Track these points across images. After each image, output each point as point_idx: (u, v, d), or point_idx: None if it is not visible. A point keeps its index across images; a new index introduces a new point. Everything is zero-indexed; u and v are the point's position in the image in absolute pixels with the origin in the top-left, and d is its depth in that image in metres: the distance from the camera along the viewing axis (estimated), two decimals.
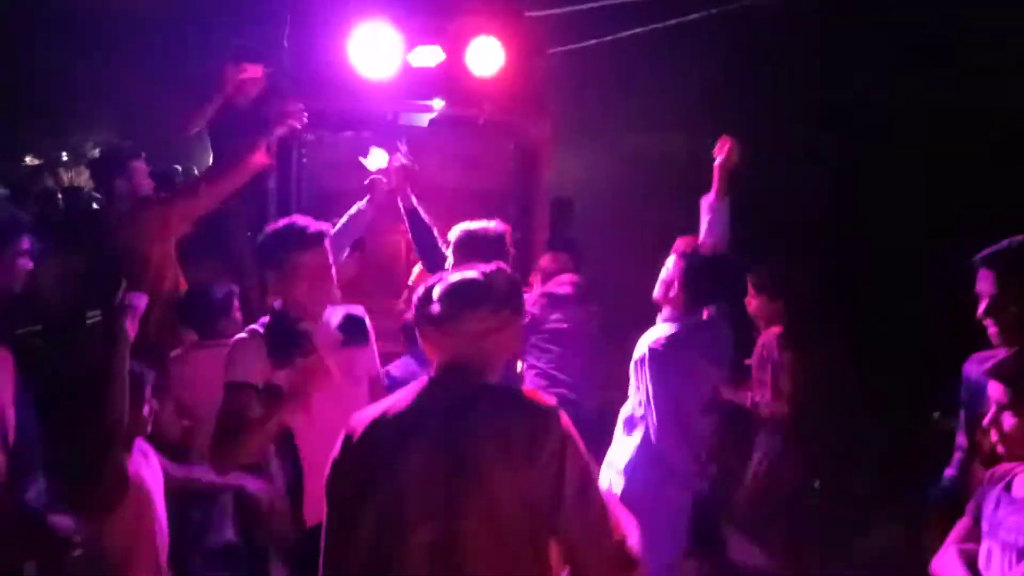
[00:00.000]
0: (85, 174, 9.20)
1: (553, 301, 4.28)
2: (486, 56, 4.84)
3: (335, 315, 2.70)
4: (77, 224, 6.56)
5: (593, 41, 5.39)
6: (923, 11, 4.90)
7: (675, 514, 3.23)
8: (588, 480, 1.81)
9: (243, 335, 2.59)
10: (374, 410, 1.91)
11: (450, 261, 3.25)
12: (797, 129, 5.63)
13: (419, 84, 4.97)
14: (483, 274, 1.91)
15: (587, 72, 5.76)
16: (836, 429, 4.58)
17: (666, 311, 3.25)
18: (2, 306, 2.81)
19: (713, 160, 3.37)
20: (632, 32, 5.21)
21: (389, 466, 1.78)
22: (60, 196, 7.66)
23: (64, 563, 2.39)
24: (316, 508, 2.35)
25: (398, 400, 1.90)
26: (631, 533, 1.85)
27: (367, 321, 2.78)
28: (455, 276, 1.92)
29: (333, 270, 2.64)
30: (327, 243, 2.62)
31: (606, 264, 5.88)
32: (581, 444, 1.82)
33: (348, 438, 1.88)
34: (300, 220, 2.65)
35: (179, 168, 7.78)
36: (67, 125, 12.40)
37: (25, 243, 2.83)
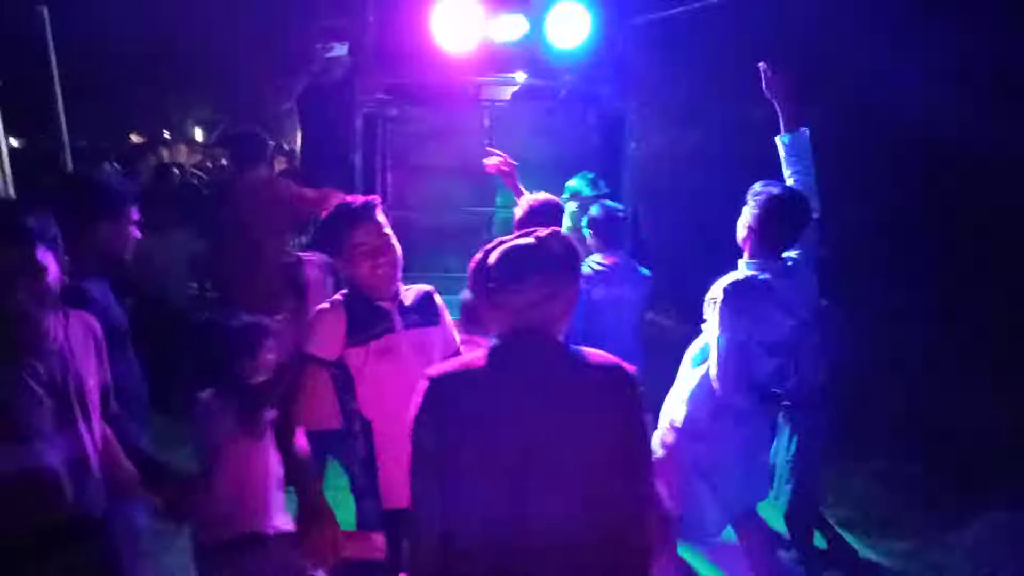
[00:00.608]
0: (184, 151, 9.62)
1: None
2: (568, 27, 4.77)
3: (408, 296, 2.68)
4: (185, 200, 6.84)
5: (680, 9, 5.24)
6: None
7: (734, 451, 3.16)
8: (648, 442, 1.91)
9: (326, 305, 2.59)
10: (452, 366, 1.92)
11: None
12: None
13: (501, 57, 4.96)
14: (538, 239, 1.88)
15: (672, 40, 5.61)
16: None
17: (746, 254, 3.19)
18: (112, 271, 2.91)
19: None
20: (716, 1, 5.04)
21: (477, 422, 1.81)
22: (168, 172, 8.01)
23: (186, 503, 2.50)
24: (392, 492, 2.45)
25: (470, 361, 1.91)
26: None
27: (437, 300, 2.76)
28: (509, 243, 1.90)
29: (394, 241, 2.59)
30: (378, 215, 2.58)
31: (687, 230, 5.78)
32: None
33: (435, 391, 1.86)
34: (348, 199, 2.66)
35: (272, 142, 8.00)
36: (167, 104, 12.95)
37: (135, 214, 2.94)
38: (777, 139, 3.29)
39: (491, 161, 4.09)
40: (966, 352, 5.50)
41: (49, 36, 8.39)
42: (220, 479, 2.77)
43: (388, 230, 2.58)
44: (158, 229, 5.13)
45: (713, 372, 3.08)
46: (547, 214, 3.53)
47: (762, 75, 3.27)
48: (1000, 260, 5.59)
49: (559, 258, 1.87)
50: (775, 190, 3.08)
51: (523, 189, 4.00)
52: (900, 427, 5.23)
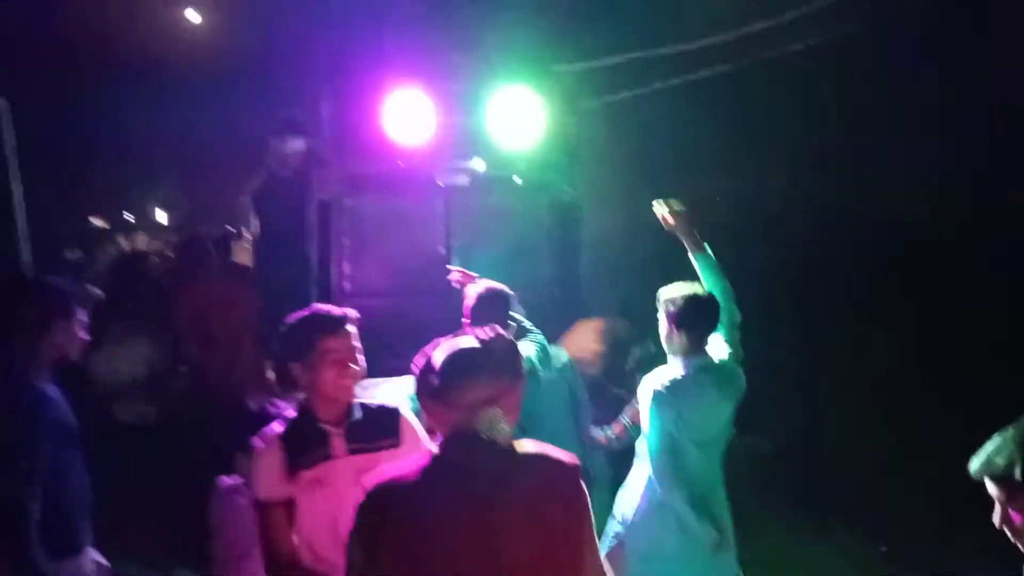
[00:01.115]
0: (144, 239, 9.58)
1: None
2: (518, 116, 4.89)
3: (366, 412, 2.55)
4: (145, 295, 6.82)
5: (627, 93, 5.39)
6: None
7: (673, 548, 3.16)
8: (595, 543, 1.90)
9: (260, 443, 2.48)
10: (387, 476, 1.86)
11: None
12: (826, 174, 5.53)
13: (456, 145, 5.05)
14: (481, 341, 1.88)
15: (624, 122, 5.76)
16: None
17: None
18: (56, 372, 2.90)
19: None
20: (668, 84, 5.21)
21: (417, 535, 1.75)
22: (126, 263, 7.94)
23: None
24: None
25: (410, 470, 1.84)
26: None
27: (405, 419, 2.59)
28: (453, 346, 1.89)
29: (360, 355, 2.56)
30: (352, 327, 2.54)
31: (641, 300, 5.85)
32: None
33: (369, 506, 1.81)
34: (322, 306, 2.63)
35: (234, 231, 8.03)
36: (128, 186, 12.95)
37: (83, 316, 2.95)
38: (691, 257, 3.44)
39: (454, 276, 4.07)
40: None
41: (10, 127, 8.39)
42: None
43: (358, 343, 2.54)
44: (118, 340, 5.17)
45: (649, 470, 3.15)
46: (494, 301, 3.54)
47: (660, 219, 3.46)
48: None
49: (503, 359, 1.88)
50: (688, 290, 3.23)
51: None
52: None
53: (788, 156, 5.67)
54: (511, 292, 3.72)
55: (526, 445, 1.91)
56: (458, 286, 4.01)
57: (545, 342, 3.73)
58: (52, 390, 2.80)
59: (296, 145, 5.22)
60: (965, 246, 5.16)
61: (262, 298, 5.15)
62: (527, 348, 3.51)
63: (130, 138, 10.75)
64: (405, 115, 4.89)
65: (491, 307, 3.44)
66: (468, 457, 1.81)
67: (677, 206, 3.44)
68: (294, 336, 2.51)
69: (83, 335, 2.95)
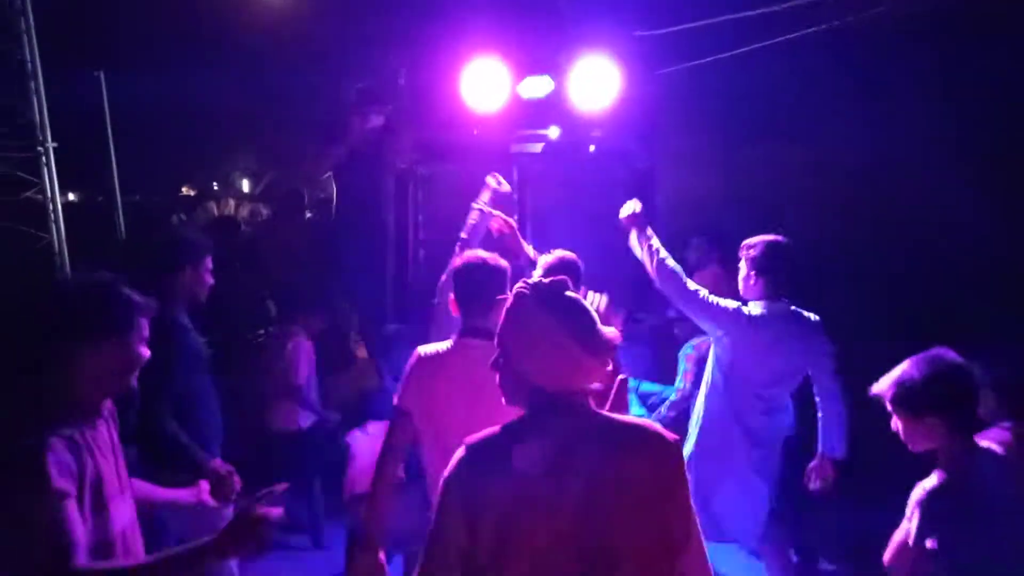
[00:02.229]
0: (233, 204, 10.02)
1: None
2: (595, 84, 4.84)
3: None
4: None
5: (709, 59, 5.27)
6: None
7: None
8: (695, 520, 1.82)
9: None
10: (491, 435, 1.81)
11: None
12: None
13: (530, 114, 5.04)
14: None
15: (703, 88, 5.64)
16: None
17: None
18: (191, 312, 3.32)
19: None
20: (748, 48, 5.06)
21: (514, 494, 1.71)
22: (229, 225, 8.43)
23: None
24: None
25: (510, 430, 1.80)
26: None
27: None
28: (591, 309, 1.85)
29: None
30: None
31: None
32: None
33: (466, 460, 1.78)
34: None
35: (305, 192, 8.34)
36: (215, 157, 13.41)
37: (210, 262, 3.35)
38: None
39: (494, 224, 4.03)
40: None
41: (105, 99, 8.77)
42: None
43: None
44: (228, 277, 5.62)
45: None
46: (564, 272, 3.53)
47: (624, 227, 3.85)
48: None
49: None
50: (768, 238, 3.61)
51: (525, 245, 3.99)
52: None
53: (870, 127, 5.44)
54: (579, 262, 3.72)
55: (624, 416, 1.89)
56: (495, 233, 3.97)
57: None
58: (186, 321, 3.25)
59: (375, 121, 5.30)
60: None
61: (341, 264, 5.33)
62: None
63: (215, 109, 11.13)
64: (481, 84, 4.90)
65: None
66: (569, 423, 1.76)
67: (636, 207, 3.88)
68: None
69: (210, 278, 3.36)
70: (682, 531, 1.77)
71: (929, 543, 2.28)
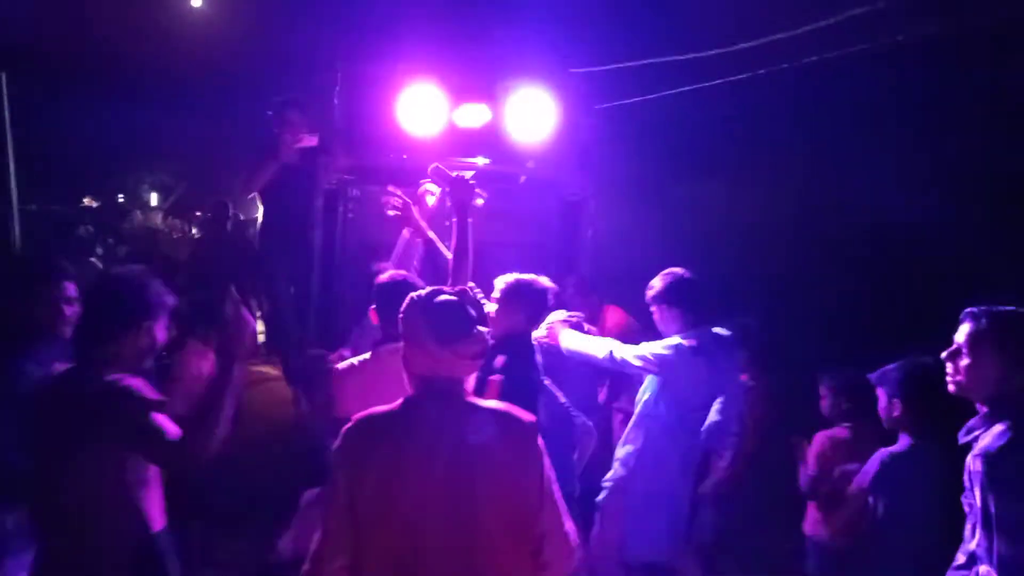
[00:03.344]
0: (157, 218, 9.71)
1: None
2: (530, 115, 4.90)
3: None
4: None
5: (638, 98, 5.42)
6: None
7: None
8: (551, 485, 2.17)
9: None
10: (376, 412, 2.12)
11: (491, 307, 3.37)
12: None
13: (464, 142, 5.05)
14: (475, 301, 2.22)
15: (633, 126, 5.79)
16: None
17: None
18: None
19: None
20: (678, 91, 5.23)
21: (397, 465, 2.02)
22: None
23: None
24: None
25: (388, 410, 2.12)
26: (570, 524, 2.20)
27: None
28: (456, 301, 2.16)
29: None
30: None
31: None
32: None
33: (352, 431, 2.08)
34: None
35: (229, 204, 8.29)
36: (123, 169, 12.87)
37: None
38: None
39: (392, 200, 3.94)
40: None
41: (5, 100, 8.30)
42: None
43: None
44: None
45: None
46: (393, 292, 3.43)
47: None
48: None
49: (486, 318, 2.25)
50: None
51: (424, 227, 3.91)
52: None
53: (791, 166, 5.70)
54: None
55: (490, 402, 2.22)
56: (392, 215, 3.92)
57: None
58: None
59: (308, 140, 5.19)
60: None
61: (266, 282, 5.17)
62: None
63: (123, 121, 10.71)
64: (418, 108, 4.89)
65: (391, 298, 3.39)
66: (442, 405, 2.10)
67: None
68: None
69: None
70: (537, 493, 2.10)
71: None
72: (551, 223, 5.47)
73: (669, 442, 3.71)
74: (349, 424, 2.08)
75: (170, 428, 2.31)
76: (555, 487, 2.16)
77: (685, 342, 3.67)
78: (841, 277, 5.33)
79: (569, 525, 2.17)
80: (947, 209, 4.48)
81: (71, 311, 3.09)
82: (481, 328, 2.14)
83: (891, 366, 3.37)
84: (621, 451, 3.85)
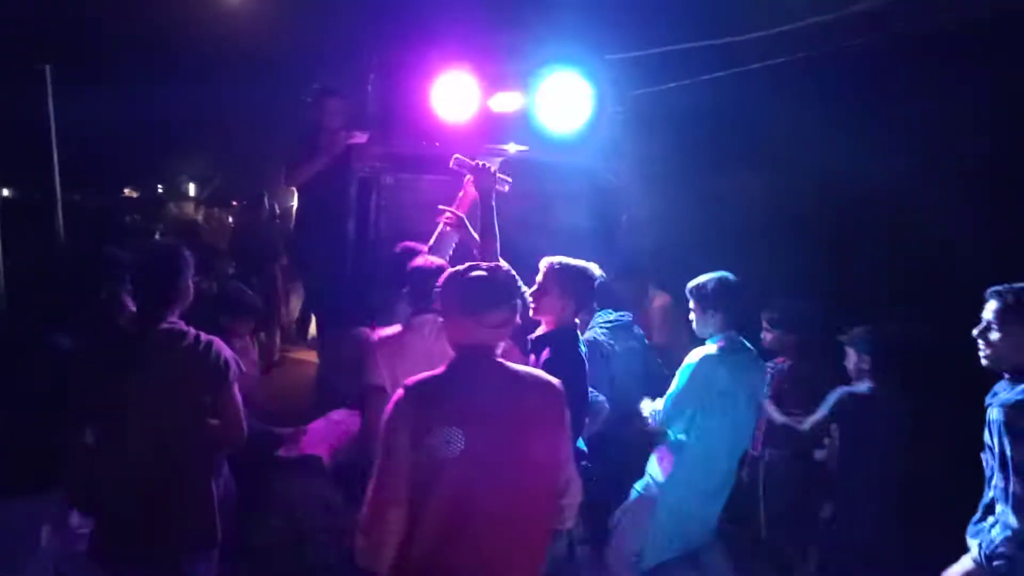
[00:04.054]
0: (191, 208, 9.95)
1: None
2: (565, 102, 4.88)
3: None
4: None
5: (673, 84, 5.36)
6: None
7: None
8: (570, 446, 2.49)
9: None
10: (423, 378, 2.34)
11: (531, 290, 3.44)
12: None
13: (498, 129, 5.05)
14: (504, 273, 2.46)
15: (668, 112, 5.73)
16: None
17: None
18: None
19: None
20: (713, 76, 5.17)
21: (442, 428, 2.23)
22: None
23: None
24: None
25: (435, 375, 2.35)
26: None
27: None
28: (484, 273, 2.39)
29: None
30: None
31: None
32: None
33: (405, 397, 2.29)
34: None
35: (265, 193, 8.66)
36: (162, 161, 13.08)
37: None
38: None
39: (446, 219, 4.09)
40: None
41: (50, 93, 8.47)
42: None
43: None
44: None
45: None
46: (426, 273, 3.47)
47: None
48: None
49: (516, 290, 2.49)
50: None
51: (473, 233, 3.96)
52: None
53: (827, 156, 5.60)
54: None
55: (521, 365, 2.46)
56: (447, 227, 4.06)
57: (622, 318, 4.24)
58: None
59: (359, 137, 5.24)
60: None
61: (302, 269, 5.24)
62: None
63: (162, 112, 10.87)
64: (452, 96, 4.90)
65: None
66: (477, 370, 2.34)
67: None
68: None
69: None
70: (565, 450, 2.43)
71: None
72: (585, 209, 5.44)
73: (701, 474, 3.72)
74: (405, 386, 2.30)
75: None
76: (570, 449, 2.49)
77: (713, 349, 3.69)
78: (882, 263, 5.24)
79: (575, 498, 2.53)
80: (998, 203, 4.37)
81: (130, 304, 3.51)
82: (511, 300, 2.38)
83: (858, 329, 4.09)
84: (654, 469, 3.83)
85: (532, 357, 3.33)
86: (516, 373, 2.38)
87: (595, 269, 3.51)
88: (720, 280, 3.72)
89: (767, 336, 4.53)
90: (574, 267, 3.45)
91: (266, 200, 8.74)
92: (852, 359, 4.10)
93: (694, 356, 3.68)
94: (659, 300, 5.20)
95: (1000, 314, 2.85)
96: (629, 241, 5.28)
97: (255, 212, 8.70)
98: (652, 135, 5.61)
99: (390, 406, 2.28)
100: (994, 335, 2.86)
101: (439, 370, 2.36)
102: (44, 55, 8.02)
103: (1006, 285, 2.84)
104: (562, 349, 3.26)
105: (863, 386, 4.04)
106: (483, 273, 2.39)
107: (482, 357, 2.36)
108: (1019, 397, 2.78)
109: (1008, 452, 2.76)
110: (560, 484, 2.45)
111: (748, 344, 3.82)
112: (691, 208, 6.06)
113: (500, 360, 2.38)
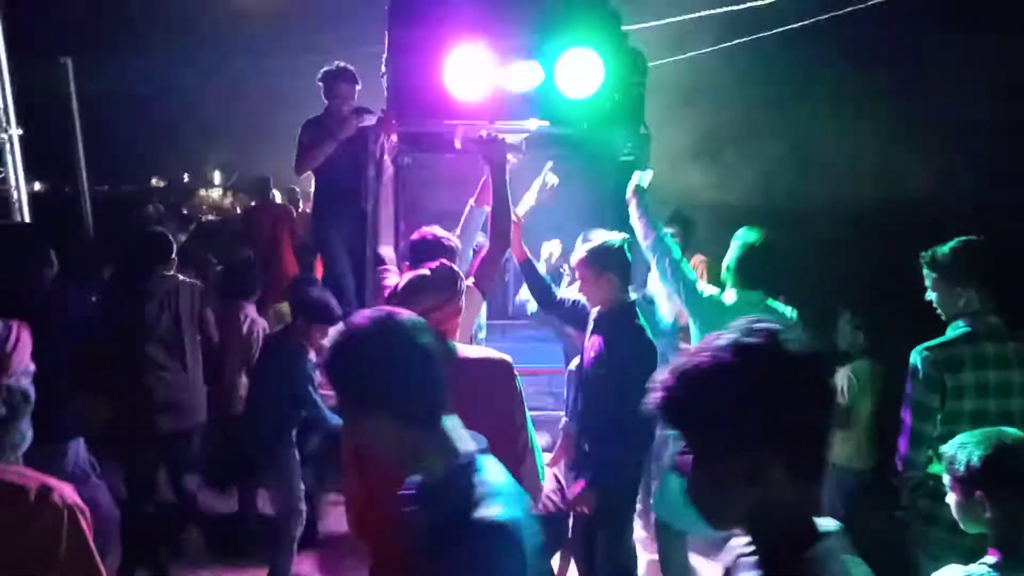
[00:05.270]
0: (216, 196, 10.20)
1: None
2: (583, 73, 4.77)
3: None
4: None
5: (692, 53, 5.25)
6: None
7: None
8: (527, 418, 2.71)
9: None
10: None
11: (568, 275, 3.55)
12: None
13: (515, 103, 4.95)
14: (430, 269, 2.64)
15: (689, 82, 5.62)
16: None
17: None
18: None
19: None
20: (733, 43, 5.04)
21: None
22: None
23: None
24: None
25: None
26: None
27: None
28: (414, 271, 2.65)
29: None
30: None
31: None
32: None
33: None
34: None
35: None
36: (187, 149, 13.17)
37: None
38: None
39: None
40: None
41: (72, 86, 8.52)
42: None
43: None
44: None
45: None
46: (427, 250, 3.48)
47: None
48: None
49: (442, 283, 2.63)
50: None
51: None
52: None
53: (860, 122, 5.46)
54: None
55: (467, 349, 2.65)
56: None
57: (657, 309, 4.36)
58: None
59: (370, 120, 5.22)
60: None
61: (322, 249, 5.27)
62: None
63: (186, 101, 10.95)
64: (466, 71, 4.81)
65: (425, 254, 3.42)
66: None
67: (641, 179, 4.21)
68: None
69: None
70: (520, 417, 2.67)
71: None
72: (605, 182, 5.35)
73: None
74: None
75: None
76: (527, 423, 2.69)
77: (723, 296, 3.75)
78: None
79: (534, 464, 2.68)
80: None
81: None
82: (435, 289, 2.61)
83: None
84: None
85: (595, 338, 3.45)
86: (465, 357, 2.58)
87: (615, 236, 3.54)
88: (749, 240, 3.77)
89: None
90: (594, 248, 3.57)
91: (271, 183, 9.50)
92: (844, 331, 4.62)
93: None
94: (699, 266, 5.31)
95: None
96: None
97: (262, 195, 9.41)
98: (673, 106, 5.49)
99: None
100: None
101: None
102: (66, 48, 8.08)
103: None
104: (615, 331, 3.43)
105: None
106: (413, 274, 2.64)
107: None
108: None
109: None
110: (517, 450, 2.62)
111: None
112: (714, 178, 5.96)
113: (453, 344, 2.58)
